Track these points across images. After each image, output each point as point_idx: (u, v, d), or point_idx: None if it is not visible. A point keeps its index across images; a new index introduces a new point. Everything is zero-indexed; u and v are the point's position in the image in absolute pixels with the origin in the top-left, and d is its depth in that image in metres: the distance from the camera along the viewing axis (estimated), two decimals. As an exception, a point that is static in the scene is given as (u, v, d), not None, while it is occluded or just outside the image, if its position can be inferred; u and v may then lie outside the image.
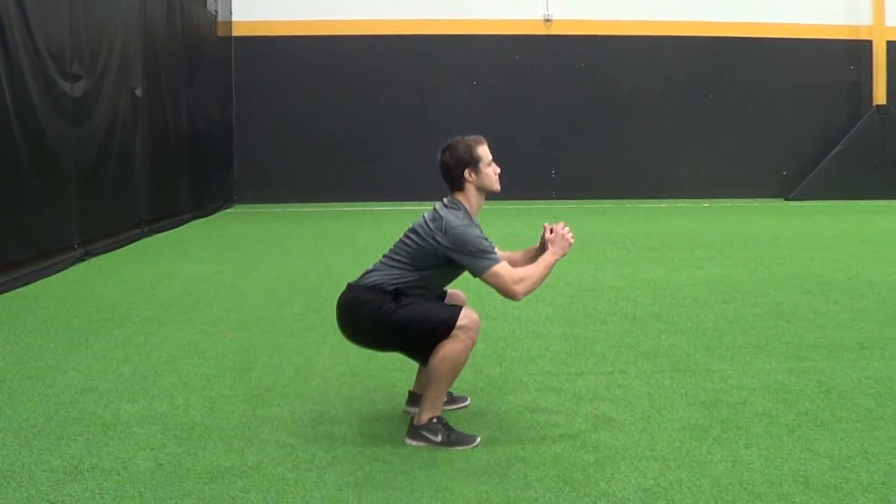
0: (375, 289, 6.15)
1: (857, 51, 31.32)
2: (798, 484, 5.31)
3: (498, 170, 6.44)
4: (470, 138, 6.40)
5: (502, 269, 6.13)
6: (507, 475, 5.49)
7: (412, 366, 6.87)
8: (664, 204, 28.54)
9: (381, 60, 29.30)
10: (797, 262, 14.56)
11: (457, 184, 6.35)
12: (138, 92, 18.93)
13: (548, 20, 30.20)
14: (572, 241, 6.42)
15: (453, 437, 5.98)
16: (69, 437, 6.14)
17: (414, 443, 5.98)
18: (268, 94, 29.21)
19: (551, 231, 6.45)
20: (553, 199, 29.79)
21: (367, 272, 6.32)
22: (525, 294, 6.19)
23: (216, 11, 27.08)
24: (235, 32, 29.22)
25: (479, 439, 6.04)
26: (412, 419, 6.10)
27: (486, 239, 6.24)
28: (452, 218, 6.19)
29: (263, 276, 13.54)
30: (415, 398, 6.47)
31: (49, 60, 14.39)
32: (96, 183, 16.34)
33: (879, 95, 30.86)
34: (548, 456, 5.79)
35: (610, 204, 28.39)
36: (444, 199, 6.38)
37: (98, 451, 5.88)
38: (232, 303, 11.33)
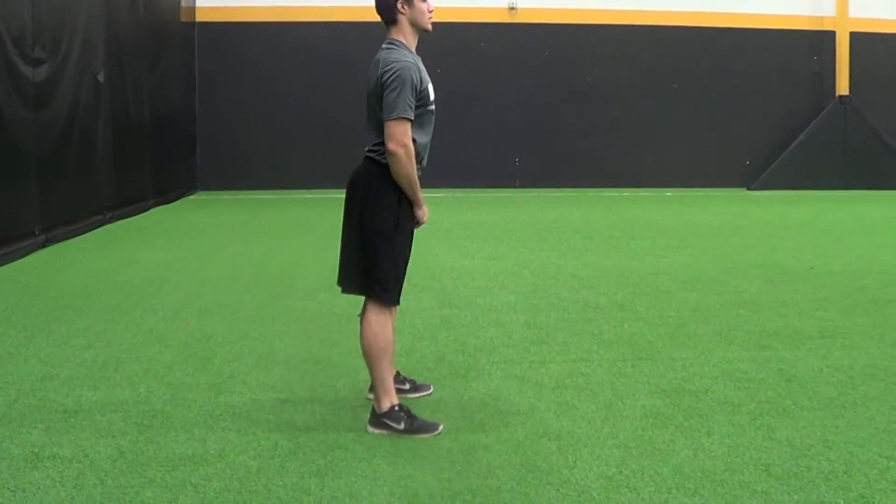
0: (379, 165, 6.12)
1: (821, 41, 31.43)
2: (759, 472, 5.34)
3: (432, 7, 6.39)
4: None
5: (409, 127, 5.99)
6: (469, 463, 5.49)
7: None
8: (627, 193, 28.58)
9: (345, 47, 29.17)
10: (760, 252, 14.62)
11: (390, 14, 6.31)
12: (100, 77, 18.79)
13: (512, 8, 30.17)
14: (425, 220, 6.36)
15: (416, 425, 5.98)
16: (30, 425, 6.12)
17: (376, 431, 5.98)
18: (232, 80, 29.06)
19: None
20: (516, 187, 29.76)
21: (366, 149, 6.29)
22: (398, 158, 5.95)
23: (180, -4, 26.97)
24: (199, 18, 29.03)
25: (441, 427, 6.04)
26: (373, 406, 6.09)
27: (424, 84, 6.18)
28: (392, 56, 6.14)
29: (226, 264, 13.50)
30: (377, 385, 6.47)
31: (10, 44, 14.27)
32: (57, 169, 16.22)
33: (842, 86, 30.97)
34: (510, 444, 5.80)
35: (573, 192, 28.40)
36: (383, 43, 6.33)
37: (59, 439, 5.85)
38: (194, 290, 11.29)
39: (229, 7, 28.93)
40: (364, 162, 6.22)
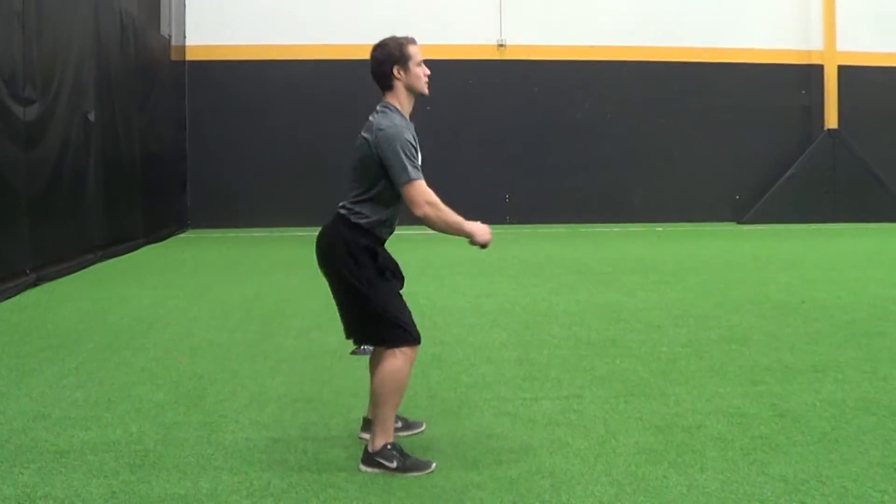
0: (349, 224, 6.10)
1: (809, 75, 31.59)
2: (753, 508, 5.33)
3: (428, 72, 6.41)
4: (401, 37, 6.44)
5: (422, 184, 6.02)
6: (462, 501, 5.48)
7: (367, 391, 6.85)
8: (618, 228, 28.64)
9: (334, 85, 29.25)
10: (751, 286, 14.63)
11: (386, 81, 6.32)
12: (91, 116, 18.81)
13: (501, 45, 30.29)
14: (490, 236, 6.25)
15: (408, 463, 5.96)
16: (22, 465, 6.09)
17: (369, 469, 5.96)
18: (221, 119, 29.12)
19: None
20: (507, 223, 29.80)
21: (341, 204, 6.28)
22: (427, 218, 6.00)
23: (170, 35, 27.01)
24: (189, 56, 29.13)
25: (434, 465, 6.02)
26: (367, 445, 6.08)
27: (417, 151, 6.18)
28: (384, 120, 6.14)
29: (217, 302, 13.49)
30: (369, 424, 6.44)
31: (1, 84, 14.30)
32: (48, 207, 16.21)
33: (831, 119, 31.12)
34: (503, 481, 5.78)
35: (563, 228, 28.46)
36: (378, 106, 6.34)
37: (51, 479, 5.83)
38: (185, 329, 11.27)
39: (219, 46, 29.01)
40: (334, 221, 6.24)
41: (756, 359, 9.29)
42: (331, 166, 28.36)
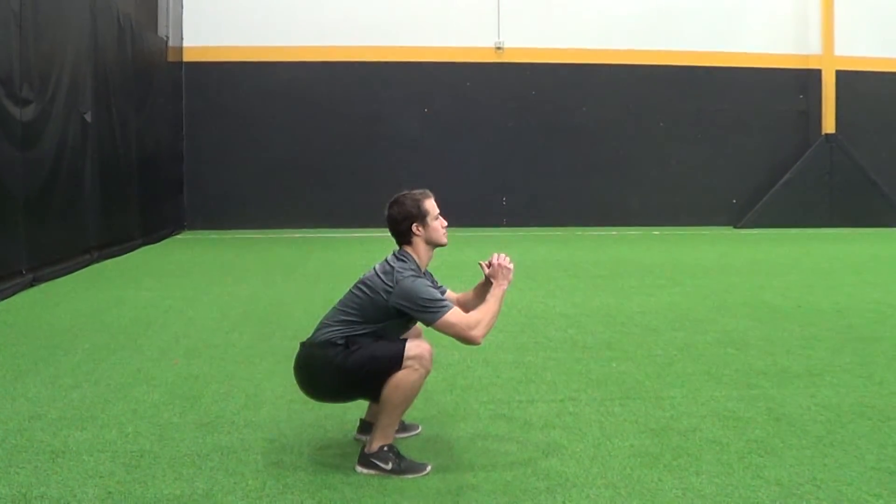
0: (327, 344, 6.14)
1: (807, 80, 31.60)
2: (748, 511, 5.33)
3: (445, 223, 6.46)
4: (417, 192, 6.44)
5: (454, 316, 6.10)
6: (458, 503, 5.48)
7: (363, 393, 6.86)
8: (614, 231, 28.65)
9: (332, 87, 29.28)
10: (747, 290, 14.64)
11: (405, 238, 6.38)
12: (88, 117, 18.81)
13: (499, 48, 30.29)
14: (511, 266, 6.46)
15: (404, 465, 5.97)
16: (17, 466, 6.08)
17: (364, 471, 5.96)
18: (218, 120, 29.11)
19: (489, 265, 6.45)
20: (503, 226, 29.83)
21: (319, 327, 6.31)
22: (483, 336, 6.14)
23: (167, 37, 27.00)
24: (186, 58, 29.12)
25: (429, 467, 6.02)
26: (363, 447, 6.08)
27: (437, 288, 6.27)
28: (402, 269, 6.21)
29: (213, 303, 13.48)
30: (366, 426, 6.46)
31: (-2, 84, 14.32)
32: (45, 208, 16.22)
33: (828, 124, 31.13)
34: (499, 483, 5.78)
35: (560, 231, 28.47)
36: (395, 251, 6.39)
37: (47, 480, 5.83)
38: (181, 330, 11.26)
39: (216, 47, 29.01)
40: (311, 346, 6.30)
41: (752, 362, 9.30)
42: (327, 168, 28.49)
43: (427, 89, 29.73)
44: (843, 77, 31.34)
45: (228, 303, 13.52)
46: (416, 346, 6.01)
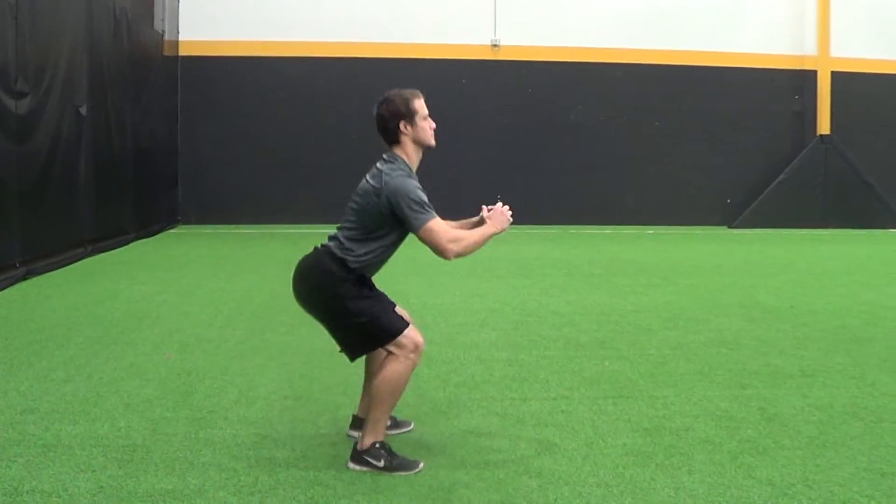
0: (336, 260, 6.13)
1: (802, 80, 31.60)
2: (740, 511, 5.34)
3: (433, 125, 6.43)
4: (406, 91, 6.44)
5: (438, 225, 6.09)
6: (450, 500, 5.48)
7: (356, 390, 6.88)
8: (609, 230, 28.66)
9: (328, 83, 29.26)
10: (740, 290, 14.66)
11: (392, 136, 6.35)
12: (83, 110, 18.78)
13: (495, 45, 30.28)
14: (510, 217, 6.57)
15: (396, 463, 5.97)
16: (9, 459, 6.08)
17: (357, 467, 5.96)
18: (214, 115, 29.07)
19: (490, 209, 6.46)
20: (498, 223, 29.78)
21: (329, 238, 6.30)
22: (457, 255, 6.16)
23: (163, 31, 26.95)
24: (182, 52, 29.07)
25: (421, 464, 6.03)
26: (355, 444, 6.08)
27: (425, 195, 6.22)
28: (391, 170, 6.20)
29: (207, 298, 13.47)
30: (358, 422, 6.45)
31: (-7, 77, 14.31)
32: (39, 201, 16.20)
33: (823, 125, 31.14)
34: (491, 481, 5.79)
35: (555, 229, 28.46)
36: (384, 155, 6.37)
37: (38, 474, 5.82)
38: (175, 324, 11.25)
39: (212, 42, 28.97)
40: (317, 255, 6.28)
41: (745, 362, 9.31)
42: (322, 164, 28.45)
43: (423, 86, 29.49)
44: (838, 78, 31.34)
45: (222, 298, 13.51)
46: (412, 336, 6.03)
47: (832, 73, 31.31)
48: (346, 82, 29.29)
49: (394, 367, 5.96)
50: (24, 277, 14.90)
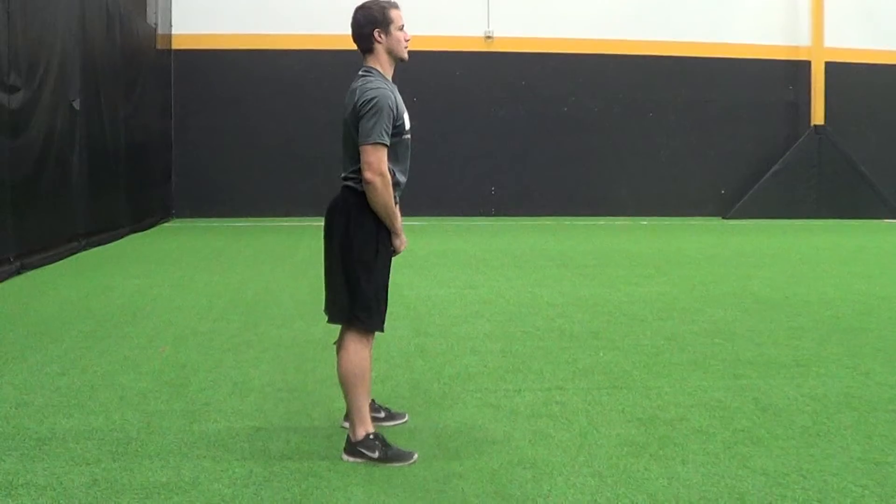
0: (357, 193, 6.12)
1: (796, 71, 31.63)
2: (734, 501, 5.34)
3: (408, 37, 6.43)
4: (384, 0, 6.39)
5: (384, 153, 6.01)
6: (444, 491, 5.49)
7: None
8: (603, 221, 28.68)
9: (321, 75, 29.21)
10: (734, 281, 14.67)
11: (366, 43, 6.35)
12: (76, 104, 18.76)
13: (489, 37, 30.27)
14: (401, 250, 6.38)
15: (390, 454, 5.97)
16: (3, 453, 6.08)
17: (351, 459, 5.97)
18: (207, 108, 29.06)
19: None
20: (492, 215, 29.83)
21: (343, 178, 6.28)
22: (373, 186, 5.96)
23: (156, 24, 26.93)
24: (175, 45, 29.06)
25: (416, 455, 6.03)
26: (349, 435, 6.08)
27: (403, 113, 6.22)
28: (367, 84, 6.16)
29: (201, 291, 13.46)
30: (352, 413, 6.46)
31: (-14, 71, 14.29)
32: (32, 196, 16.16)
33: (817, 116, 31.16)
34: (485, 472, 5.79)
35: (549, 221, 28.47)
36: (360, 70, 6.35)
37: (33, 467, 5.82)
38: (169, 318, 11.25)
39: (205, 35, 28.95)
40: (342, 190, 6.22)
41: (739, 353, 9.32)
42: (316, 157, 28.42)
43: (416, 78, 29.63)
44: (832, 68, 31.36)
45: (216, 291, 13.51)
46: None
47: (826, 63, 31.32)
48: (339, 75, 29.02)
49: (355, 350, 6.03)
50: (19, 272, 14.89)
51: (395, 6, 6.42)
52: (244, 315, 11.44)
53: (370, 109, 5.99)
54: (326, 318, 6.37)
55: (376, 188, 5.97)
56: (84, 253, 18.35)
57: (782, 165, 30.85)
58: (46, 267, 15.91)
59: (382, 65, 6.33)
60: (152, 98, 26.27)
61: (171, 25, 28.86)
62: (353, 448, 6.00)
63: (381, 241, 6.15)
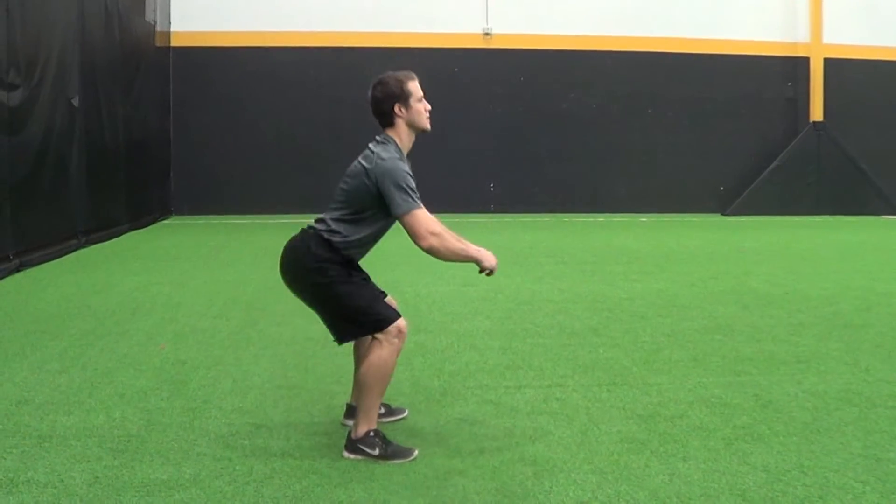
0: (323, 242, 6.12)
1: (795, 67, 31.62)
2: (735, 497, 5.34)
3: (429, 107, 6.41)
4: (400, 73, 6.38)
5: (423, 213, 6.04)
6: (445, 488, 5.48)
7: (349, 379, 6.87)
8: (602, 218, 28.67)
9: (320, 72, 29.22)
10: (734, 277, 14.66)
11: (387, 119, 6.30)
12: (75, 102, 18.76)
13: (487, 34, 30.26)
14: (496, 265, 6.25)
15: (391, 451, 5.97)
16: (4, 450, 6.07)
17: (352, 456, 5.96)
18: (206, 105, 29.05)
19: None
20: (491, 212, 29.82)
21: (316, 220, 6.29)
22: (432, 249, 6.06)
23: (155, 21, 26.93)
24: (174, 43, 29.05)
25: (416, 452, 6.03)
26: (349, 432, 6.08)
27: (413, 182, 6.18)
28: (382, 152, 6.15)
29: (200, 289, 13.46)
30: (352, 411, 6.45)
31: (-15, 69, 14.29)
32: (31, 193, 16.17)
33: (816, 112, 31.16)
34: (486, 469, 5.79)
35: (548, 218, 28.48)
36: (377, 137, 6.33)
37: (34, 464, 5.82)
38: (168, 315, 11.25)
39: (204, 32, 28.94)
40: (303, 237, 6.27)
41: (739, 349, 9.32)
42: (314, 154, 28.44)
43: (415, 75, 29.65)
44: (831, 65, 31.36)
45: (215, 288, 13.50)
46: (404, 322, 6.03)
47: (825, 59, 31.32)
48: (337, 72, 29.25)
49: (378, 354, 5.96)
50: (18, 269, 14.88)
51: (413, 77, 6.40)
52: (244, 312, 11.45)
53: (391, 181, 6.01)
54: (337, 344, 6.35)
55: (437, 250, 6.06)
56: (83, 250, 18.35)
57: (781, 162, 30.85)
58: (45, 264, 15.91)
59: (401, 137, 6.32)
60: (151, 95, 26.27)
61: (169, 23, 28.85)
62: (353, 445, 5.99)
63: (352, 269, 6.19)
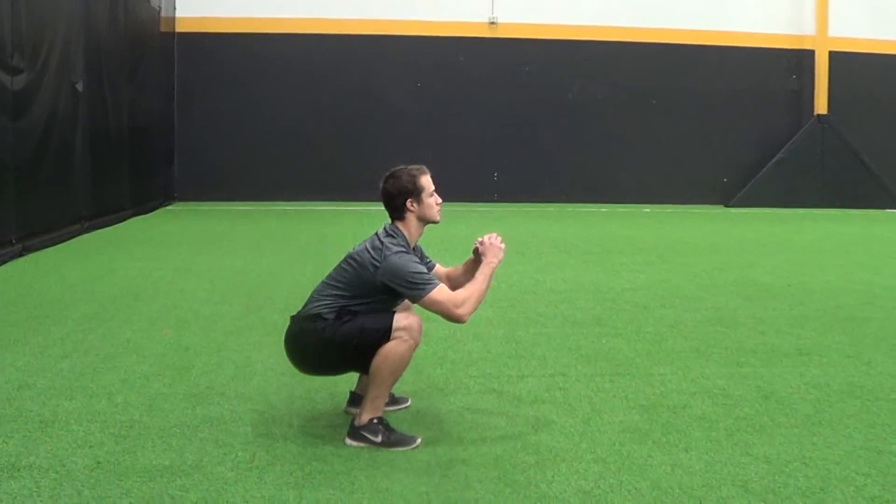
0: (316, 318, 6.12)
1: (800, 60, 31.59)
2: (737, 488, 5.34)
3: (440, 200, 6.41)
4: (413, 168, 6.38)
5: (441, 294, 6.07)
6: (447, 476, 5.48)
7: (353, 366, 6.87)
8: (605, 208, 28.67)
9: (324, 59, 29.20)
10: (737, 269, 14.66)
11: (398, 212, 6.33)
12: (79, 86, 18.74)
13: (493, 23, 30.23)
14: (503, 247, 6.44)
15: (393, 438, 5.97)
16: (6, 435, 6.08)
17: (354, 443, 5.96)
18: (210, 91, 29.03)
19: (482, 244, 6.42)
20: (495, 201, 29.81)
21: (309, 300, 6.30)
22: (469, 314, 6.12)
23: (159, 7, 26.88)
24: (179, 28, 29.02)
25: (419, 440, 6.03)
26: (353, 420, 6.08)
27: (425, 263, 6.36)
28: (392, 245, 6.17)
29: (203, 275, 13.46)
30: (356, 398, 6.45)
31: (-12, 53, 14.27)
32: (35, 178, 16.15)
33: (821, 105, 31.14)
34: (488, 457, 5.79)
35: (552, 207, 28.46)
36: (385, 226, 6.35)
37: (35, 449, 5.82)
38: (171, 301, 11.25)
39: (209, 18, 28.91)
40: (298, 321, 6.29)
41: (742, 341, 9.32)
42: (319, 141, 28.41)
43: (420, 63, 29.66)
44: (836, 58, 31.34)
45: (219, 274, 13.51)
46: (405, 317, 6.01)
47: (830, 52, 31.30)
48: (342, 59, 29.25)
49: (395, 347, 5.94)
50: (21, 254, 14.88)
51: (424, 171, 6.41)
52: (247, 298, 11.45)
53: (402, 277, 6.06)
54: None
55: (472, 312, 6.18)
56: (86, 235, 18.35)
57: (785, 154, 30.85)
58: (48, 249, 15.91)
59: (410, 230, 6.37)
60: (155, 81, 26.25)
61: (174, 8, 28.82)
62: (356, 432, 5.99)
63: (342, 316, 6.16)
